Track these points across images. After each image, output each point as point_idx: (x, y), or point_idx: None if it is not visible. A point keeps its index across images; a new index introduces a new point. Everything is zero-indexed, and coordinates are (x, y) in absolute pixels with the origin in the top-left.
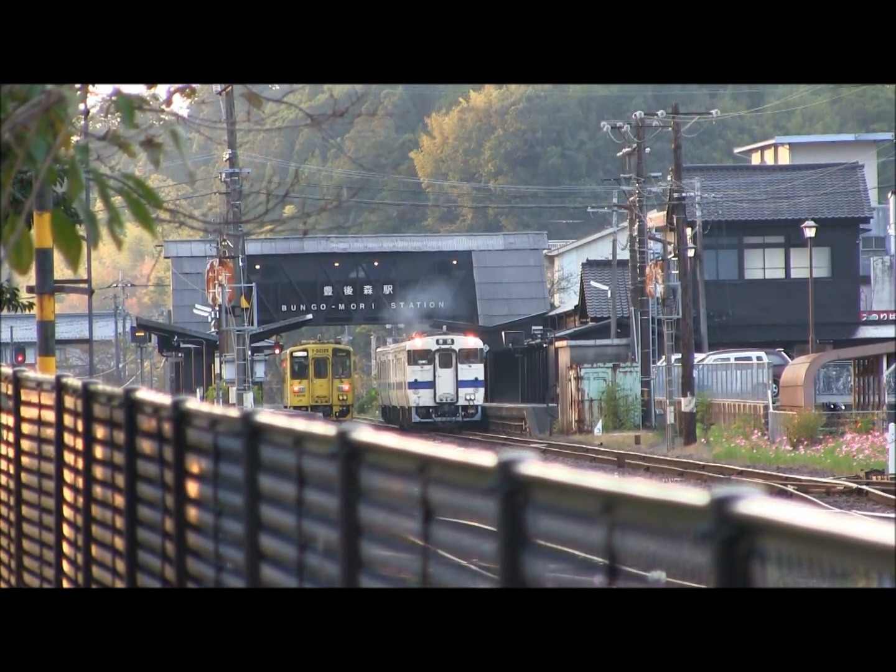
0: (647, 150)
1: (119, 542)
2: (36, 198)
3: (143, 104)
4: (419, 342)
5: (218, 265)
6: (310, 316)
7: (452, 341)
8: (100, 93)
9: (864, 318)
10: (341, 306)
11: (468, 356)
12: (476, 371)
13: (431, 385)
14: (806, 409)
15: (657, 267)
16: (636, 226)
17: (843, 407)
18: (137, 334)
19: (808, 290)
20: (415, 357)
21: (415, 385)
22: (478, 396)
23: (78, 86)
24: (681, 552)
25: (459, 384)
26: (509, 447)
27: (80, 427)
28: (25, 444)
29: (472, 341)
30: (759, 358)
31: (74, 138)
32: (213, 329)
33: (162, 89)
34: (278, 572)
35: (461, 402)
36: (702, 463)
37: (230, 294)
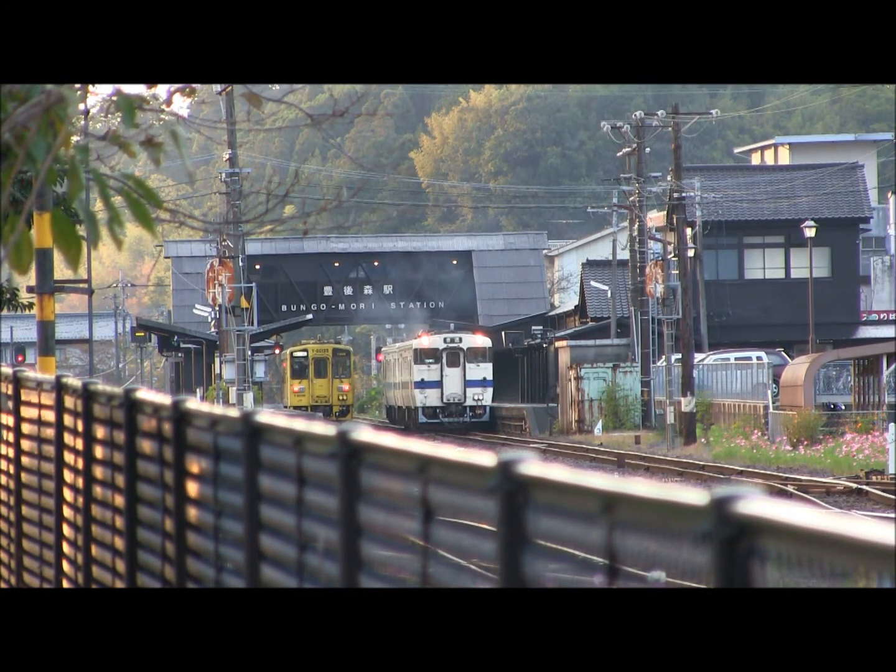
0: (647, 150)
1: (119, 542)
2: (36, 198)
3: (143, 104)
4: (426, 340)
5: (218, 265)
6: (310, 316)
7: (460, 339)
8: (100, 93)
9: (864, 318)
10: (341, 306)
11: (476, 355)
12: (484, 370)
13: (439, 385)
14: (806, 409)
15: (657, 267)
16: (636, 226)
17: (843, 407)
18: (137, 334)
19: (808, 290)
20: (421, 356)
21: (421, 385)
22: (486, 396)
23: (78, 86)
24: (681, 552)
25: (467, 384)
26: (509, 447)
27: (80, 427)
28: (25, 444)
29: (480, 340)
30: (759, 358)
31: (74, 138)
32: (213, 329)
33: (162, 89)
34: (278, 572)
35: (469, 402)
36: (702, 463)
37: (230, 294)
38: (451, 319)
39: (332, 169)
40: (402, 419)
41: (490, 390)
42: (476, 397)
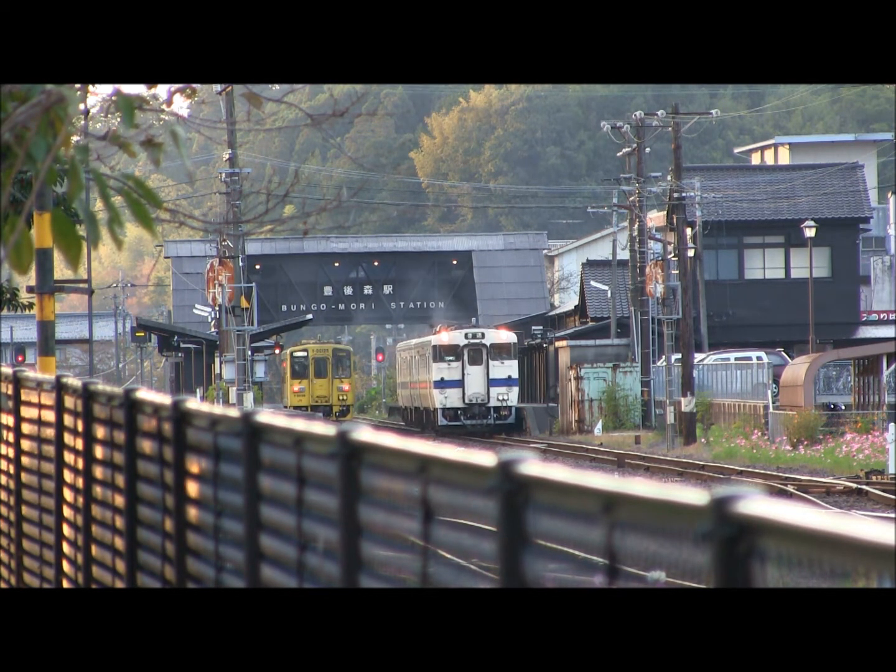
0: (647, 150)
1: (119, 542)
2: (36, 198)
3: (143, 104)
4: (446, 336)
5: (218, 265)
6: (310, 316)
7: (483, 335)
8: (100, 93)
9: (864, 318)
10: (341, 306)
11: (500, 351)
12: (509, 368)
13: (460, 384)
14: (806, 409)
15: (657, 267)
16: (636, 226)
17: (843, 407)
18: (137, 334)
19: (808, 290)
20: (441, 353)
21: (441, 384)
22: (512, 396)
23: (78, 86)
24: (681, 552)
25: (491, 383)
26: (509, 447)
27: (80, 427)
28: (25, 444)
29: (504, 335)
30: (759, 358)
31: (74, 138)
32: (213, 329)
33: (162, 89)
34: (278, 572)
35: (493, 402)
36: (702, 463)
37: (230, 294)
38: (450, 320)
39: (332, 169)
40: (418, 421)
41: (516, 389)
42: (500, 397)
